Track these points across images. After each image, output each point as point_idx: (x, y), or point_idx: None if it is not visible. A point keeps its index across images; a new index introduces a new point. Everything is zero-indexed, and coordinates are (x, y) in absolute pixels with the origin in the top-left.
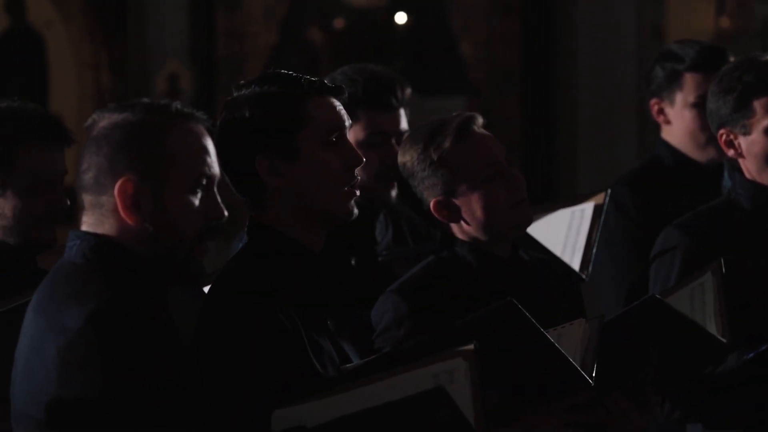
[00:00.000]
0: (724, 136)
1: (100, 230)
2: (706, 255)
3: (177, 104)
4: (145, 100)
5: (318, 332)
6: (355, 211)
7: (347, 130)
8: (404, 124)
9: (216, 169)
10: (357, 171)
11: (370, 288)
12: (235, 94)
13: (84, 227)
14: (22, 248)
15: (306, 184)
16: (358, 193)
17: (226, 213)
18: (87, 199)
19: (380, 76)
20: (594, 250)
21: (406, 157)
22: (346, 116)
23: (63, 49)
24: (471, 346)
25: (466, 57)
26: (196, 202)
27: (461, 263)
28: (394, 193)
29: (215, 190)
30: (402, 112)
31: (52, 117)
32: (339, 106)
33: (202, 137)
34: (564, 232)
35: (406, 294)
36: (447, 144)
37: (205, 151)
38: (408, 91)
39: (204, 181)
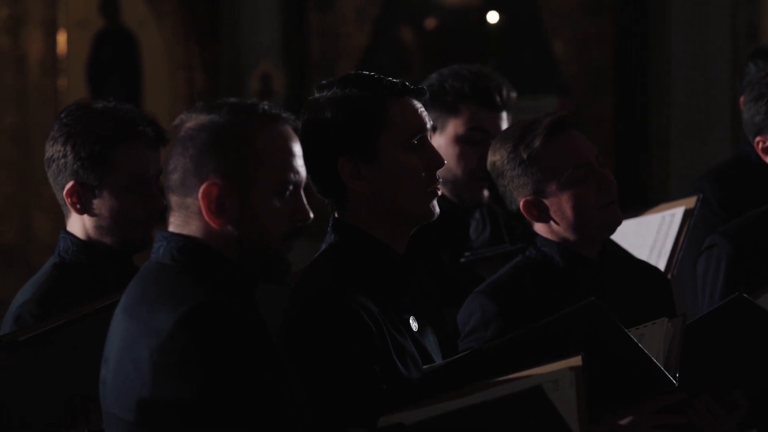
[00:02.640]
0: (761, 144)
1: (186, 231)
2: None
3: (264, 104)
4: (233, 99)
5: (400, 332)
6: (437, 211)
7: (429, 132)
8: (504, 127)
9: (303, 171)
10: (441, 169)
11: (457, 287)
12: (316, 95)
13: (171, 228)
14: (119, 248)
15: (387, 187)
16: (440, 192)
17: (311, 215)
18: (174, 199)
19: (488, 75)
20: (680, 254)
21: (495, 156)
22: (427, 118)
23: (156, 49)
24: (578, 357)
25: (559, 56)
26: (283, 204)
27: (550, 264)
28: (487, 192)
29: (302, 192)
30: (504, 115)
31: (147, 117)
32: (420, 107)
33: (290, 139)
34: (653, 237)
35: (493, 295)
36: (537, 143)
37: (292, 154)
38: (513, 95)
39: (290, 186)
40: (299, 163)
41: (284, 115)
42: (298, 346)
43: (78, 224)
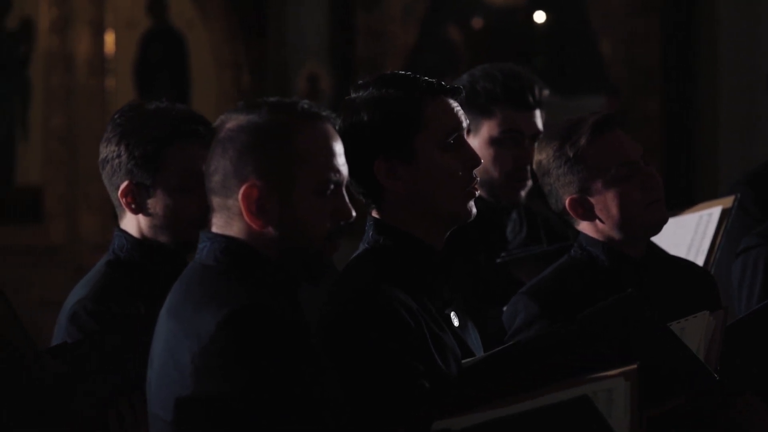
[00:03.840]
0: None
1: (228, 232)
2: None
3: (304, 103)
4: (273, 99)
5: (441, 328)
6: (474, 211)
7: (465, 131)
8: (539, 126)
9: (344, 170)
10: (477, 170)
11: (493, 287)
12: (352, 95)
13: (214, 228)
14: (173, 247)
15: (424, 187)
16: (477, 193)
17: (354, 213)
18: (215, 201)
19: (520, 75)
20: (717, 254)
21: (542, 155)
22: (464, 117)
23: (204, 49)
24: (634, 366)
25: (606, 56)
26: (324, 203)
27: (594, 263)
28: (523, 193)
29: (344, 190)
30: (538, 113)
31: (199, 117)
32: (457, 107)
33: (330, 138)
34: (690, 236)
35: (537, 295)
36: (583, 141)
37: (333, 153)
38: (546, 92)
39: (331, 186)
40: (340, 161)
41: (324, 113)
42: (336, 345)
43: (133, 223)
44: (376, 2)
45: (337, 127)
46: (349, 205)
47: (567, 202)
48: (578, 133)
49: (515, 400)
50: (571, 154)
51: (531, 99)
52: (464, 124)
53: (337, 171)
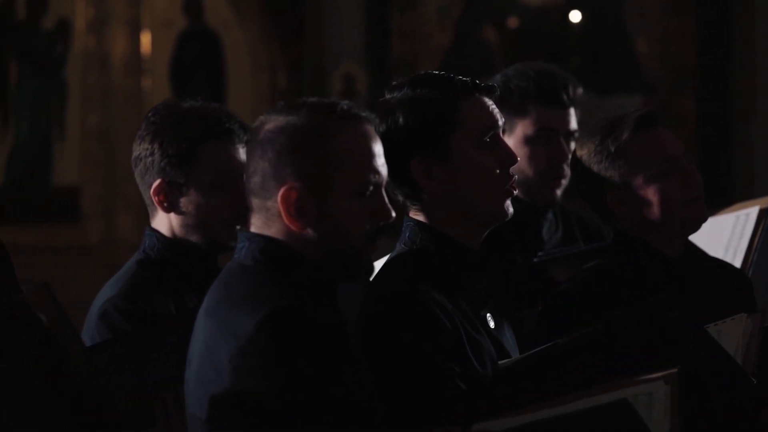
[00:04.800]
0: None
1: (267, 232)
2: None
3: (344, 104)
4: (312, 99)
5: (477, 329)
6: (511, 210)
7: (501, 130)
8: (573, 124)
9: (384, 171)
10: (513, 169)
11: (529, 288)
12: (387, 96)
13: (253, 228)
14: (205, 246)
15: (461, 186)
16: (515, 192)
17: (393, 214)
18: (255, 201)
19: (553, 73)
20: (755, 255)
21: (582, 150)
22: (499, 115)
23: (240, 49)
24: (675, 370)
25: (642, 55)
26: (363, 205)
27: (631, 262)
28: (559, 192)
29: (383, 191)
30: (572, 111)
31: (234, 116)
32: (492, 105)
33: (369, 139)
34: (727, 236)
35: (575, 291)
36: (625, 136)
37: (372, 154)
38: (579, 91)
39: (371, 187)
40: (380, 162)
41: (364, 114)
42: (373, 345)
43: (164, 222)
44: (412, 3)
45: (376, 129)
46: (389, 206)
47: (607, 197)
48: (621, 128)
49: (554, 403)
50: (612, 149)
51: (565, 97)
52: (500, 123)
53: (377, 172)
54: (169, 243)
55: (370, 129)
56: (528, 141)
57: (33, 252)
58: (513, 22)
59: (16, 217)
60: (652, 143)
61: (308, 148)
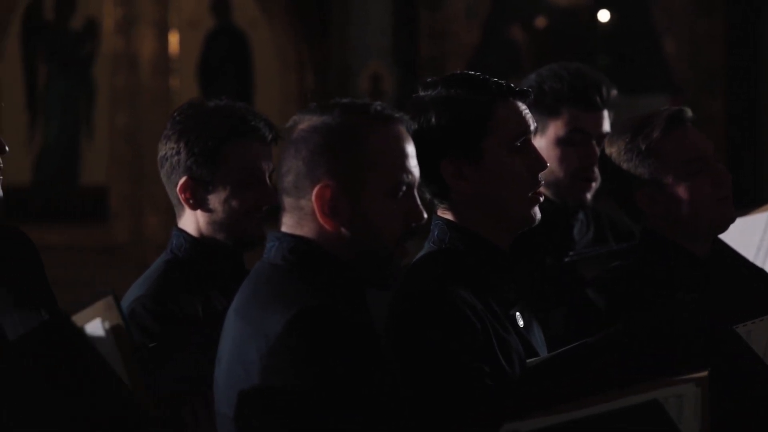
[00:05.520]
0: None
1: (299, 232)
2: None
3: (377, 105)
4: (345, 100)
5: (506, 329)
6: (538, 216)
7: (532, 135)
8: (606, 127)
9: (416, 172)
10: (542, 173)
11: (558, 288)
12: (420, 94)
13: (283, 228)
14: (231, 244)
15: (491, 189)
16: (542, 198)
17: (425, 215)
18: (287, 201)
19: (587, 75)
20: None
21: (612, 148)
22: (532, 120)
23: (267, 49)
24: (705, 373)
25: (670, 55)
26: (396, 205)
27: (659, 261)
28: (589, 194)
29: (415, 192)
30: (605, 113)
31: (259, 114)
32: (525, 109)
33: (402, 139)
34: (759, 236)
35: (603, 289)
36: (656, 134)
37: (405, 154)
38: (614, 92)
39: (403, 187)
40: (412, 163)
41: (397, 115)
42: (402, 345)
43: (191, 221)
44: (439, 2)
45: (409, 129)
46: (421, 207)
47: (636, 195)
48: (651, 126)
49: (584, 403)
50: (643, 147)
51: (598, 99)
52: (532, 128)
53: (409, 172)
54: (196, 242)
55: (403, 130)
56: (560, 142)
57: (61, 251)
58: (541, 21)
59: (44, 217)
60: (683, 141)
61: (342, 147)
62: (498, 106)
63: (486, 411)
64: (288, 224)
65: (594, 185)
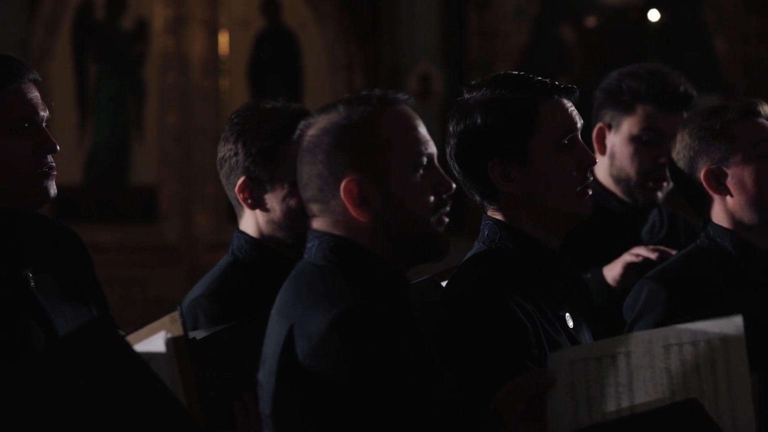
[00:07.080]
0: None
1: (335, 232)
2: None
3: (377, 92)
4: (346, 96)
5: (555, 329)
6: (590, 208)
7: (579, 132)
8: None
9: (432, 145)
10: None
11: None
12: (466, 96)
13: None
14: (291, 242)
15: (539, 188)
16: (590, 192)
17: (453, 185)
18: (315, 207)
19: (666, 75)
20: None
21: (684, 130)
22: (578, 117)
23: (317, 49)
24: (753, 377)
25: (721, 54)
26: (422, 180)
27: (722, 253)
28: (660, 194)
29: (436, 164)
30: (683, 115)
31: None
32: (571, 107)
33: (411, 118)
34: None
35: (662, 280)
36: (732, 116)
37: (417, 129)
38: (693, 94)
39: (424, 159)
40: (426, 138)
41: (400, 96)
42: (451, 343)
43: (251, 222)
44: (489, 2)
45: (416, 108)
46: (447, 177)
47: (703, 173)
48: (727, 110)
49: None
50: (717, 126)
51: (675, 99)
52: (578, 125)
53: (426, 144)
54: (256, 243)
55: (409, 109)
56: (633, 139)
57: (111, 251)
58: (591, 21)
59: (95, 217)
60: (756, 126)
61: (356, 139)
62: (543, 104)
63: None
64: (321, 227)
65: (665, 185)
